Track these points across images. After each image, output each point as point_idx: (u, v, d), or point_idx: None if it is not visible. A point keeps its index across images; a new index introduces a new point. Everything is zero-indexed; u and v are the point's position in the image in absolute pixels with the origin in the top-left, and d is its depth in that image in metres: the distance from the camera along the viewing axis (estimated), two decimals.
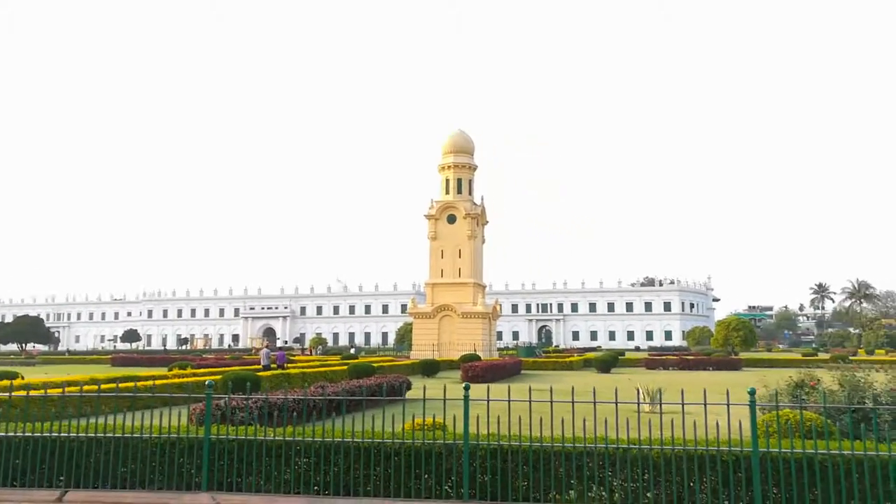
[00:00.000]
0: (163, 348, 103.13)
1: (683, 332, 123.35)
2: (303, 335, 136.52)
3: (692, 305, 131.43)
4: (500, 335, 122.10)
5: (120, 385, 20.66)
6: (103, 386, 19.91)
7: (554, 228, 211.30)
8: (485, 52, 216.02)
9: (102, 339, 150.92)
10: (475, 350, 59.20)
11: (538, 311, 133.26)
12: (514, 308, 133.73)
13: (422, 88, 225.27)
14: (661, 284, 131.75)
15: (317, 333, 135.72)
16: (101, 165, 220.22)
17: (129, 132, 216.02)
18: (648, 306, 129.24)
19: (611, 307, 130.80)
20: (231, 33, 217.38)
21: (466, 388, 8.50)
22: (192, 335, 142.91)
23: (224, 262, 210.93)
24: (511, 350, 77.48)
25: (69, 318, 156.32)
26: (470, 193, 66.60)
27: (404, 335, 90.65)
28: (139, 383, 21.68)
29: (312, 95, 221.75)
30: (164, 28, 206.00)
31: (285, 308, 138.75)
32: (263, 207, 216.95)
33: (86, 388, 16.47)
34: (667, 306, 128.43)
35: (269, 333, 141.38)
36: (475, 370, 33.77)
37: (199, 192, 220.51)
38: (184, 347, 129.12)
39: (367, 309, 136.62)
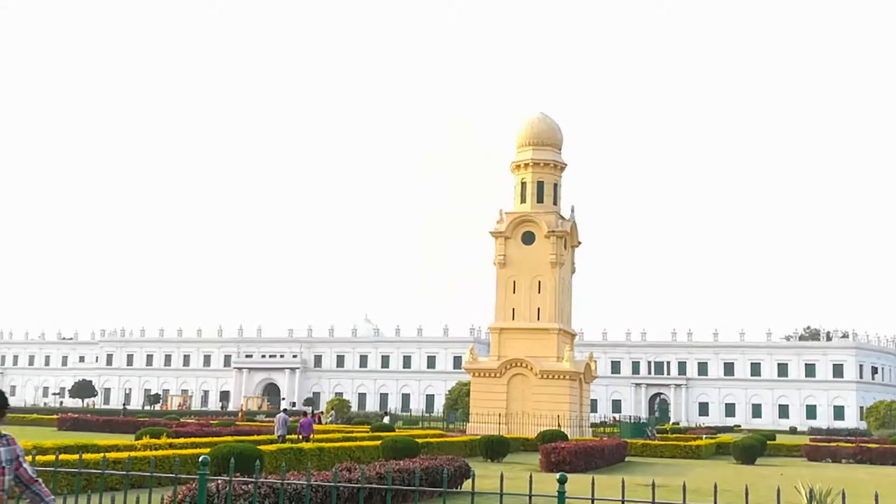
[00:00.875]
0: (124, 407, 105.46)
1: (862, 408, 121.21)
2: (317, 395, 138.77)
3: (875, 370, 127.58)
4: (594, 404, 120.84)
5: (84, 456, 21.26)
6: (52, 457, 20.59)
7: (673, 256, 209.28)
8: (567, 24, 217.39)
9: (46, 392, 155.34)
10: (559, 425, 58.83)
11: (649, 373, 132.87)
12: (615, 367, 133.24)
13: (483, 66, 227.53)
14: (828, 338, 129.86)
15: (336, 393, 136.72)
16: (61, 170, 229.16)
17: (105, 136, 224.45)
18: (810, 369, 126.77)
19: (755, 369, 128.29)
20: (227, 36, 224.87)
21: (561, 482, 8.35)
22: (166, 391, 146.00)
23: (212, 292, 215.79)
24: (610, 427, 77.05)
25: (2, 362, 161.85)
26: (555, 203, 66.72)
27: (457, 400, 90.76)
28: (95, 454, 22.20)
29: (331, 78, 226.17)
30: (164, 44, 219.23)
31: (294, 357, 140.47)
32: (266, 221, 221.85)
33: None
34: (837, 370, 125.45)
35: (271, 391, 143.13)
36: (560, 454, 33.49)
37: (182, 201, 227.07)
38: (155, 407, 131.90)
39: (406, 361, 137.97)
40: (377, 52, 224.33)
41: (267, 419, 78.56)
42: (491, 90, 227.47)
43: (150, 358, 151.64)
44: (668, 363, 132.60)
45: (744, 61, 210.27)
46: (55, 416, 70.16)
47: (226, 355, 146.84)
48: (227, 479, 11.95)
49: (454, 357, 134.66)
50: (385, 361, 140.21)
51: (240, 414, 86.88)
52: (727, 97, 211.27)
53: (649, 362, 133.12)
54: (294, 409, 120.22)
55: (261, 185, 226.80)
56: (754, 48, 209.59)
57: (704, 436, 63.98)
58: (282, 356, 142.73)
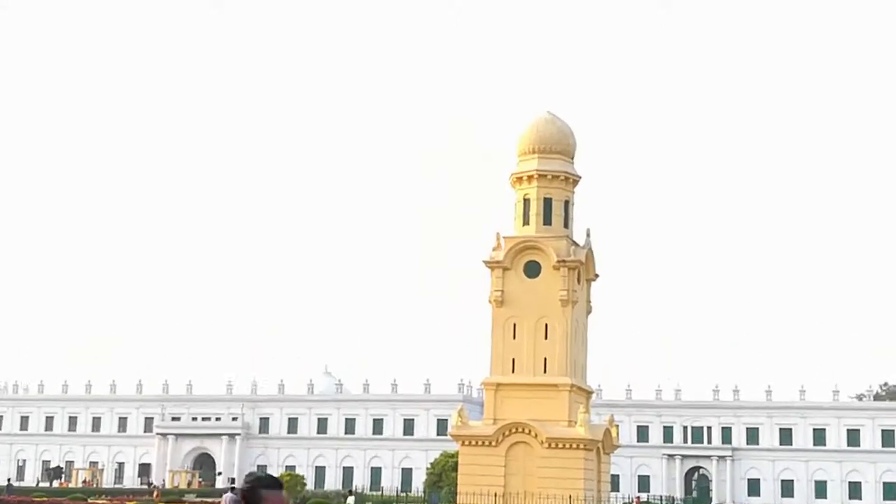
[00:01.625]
0: (8, 483, 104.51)
1: None
2: (262, 468, 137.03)
3: None
4: (615, 481, 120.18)
5: None
6: None
7: (714, 294, 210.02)
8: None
9: None
10: None
11: (685, 441, 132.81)
12: (642, 433, 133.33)
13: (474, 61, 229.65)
14: None
15: (286, 467, 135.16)
16: None
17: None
18: (888, 437, 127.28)
19: (819, 437, 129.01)
20: (223, 36, 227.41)
21: None
22: (70, 463, 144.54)
23: (131, 337, 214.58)
24: None
25: None
26: (566, 225, 66.99)
27: (442, 475, 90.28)
28: None
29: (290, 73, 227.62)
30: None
31: (233, 420, 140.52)
32: (199, 245, 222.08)
33: None
34: None
35: (204, 463, 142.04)
36: None
37: (96, 217, 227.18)
38: (55, 484, 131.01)
39: (377, 426, 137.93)
40: (375, 52, 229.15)
41: (198, 500, 78.03)
42: (494, 88, 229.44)
43: (49, 420, 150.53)
44: (709, 429, 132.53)
45: (792, 53, 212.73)
46: None
47: (146, 418, 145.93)
48: None
49: (438, 420, 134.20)
50: (350, 426, 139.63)
51: (154, 494, 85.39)
52: (779, 96, 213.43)
53: (685, 428, 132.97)
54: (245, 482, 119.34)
55: (191, 209, 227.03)
56: (801, 35, 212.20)
57: None
58: (218, 419, 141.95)
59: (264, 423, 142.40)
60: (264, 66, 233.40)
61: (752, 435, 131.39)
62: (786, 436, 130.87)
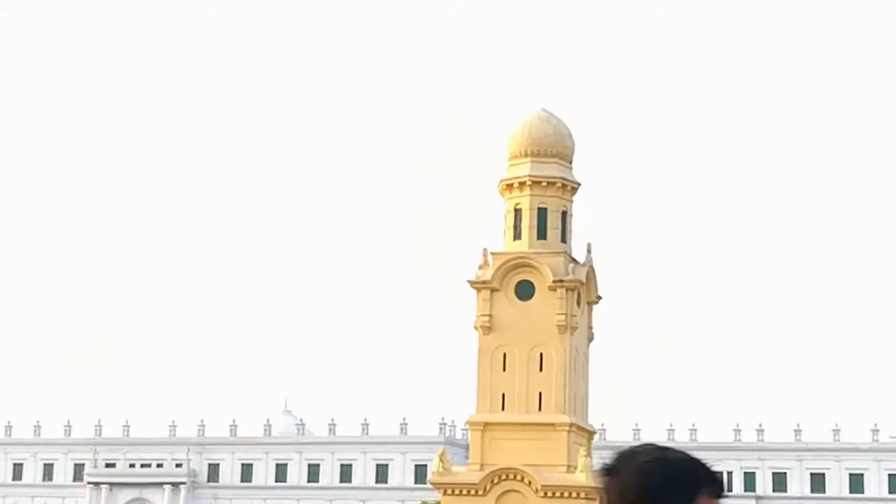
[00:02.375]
0: None
1: None
2: None
3: None
4: None
5: None
6: None
7: (733, 320, 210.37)
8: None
9: None
10: None
11: None
12: None
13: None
14: None
15: None
16: None
17: None
18: None
19: (856, 483, 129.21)
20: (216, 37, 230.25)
21: None
22: None
23: (58, 370, 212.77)
24: None
25: None
26: (563, 240, 67.33)
27: None
28: None
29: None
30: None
31: (177, 467, 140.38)
32: (138, 265, 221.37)
33: None
34: None
35: None
36: None
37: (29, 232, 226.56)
38: None
39: (345, 473, 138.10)
40: (373, 51, 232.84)
41: None
42: (492, 88, 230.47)
43: None
44: (730, 474, 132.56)
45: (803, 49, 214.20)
46: None
47: (76, 464, 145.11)
48: None
49: (416, 466, 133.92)
50: (313, 473, 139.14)
51: None
52: (793, 98, 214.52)
53: None
54: None
55: (131, 224, 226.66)
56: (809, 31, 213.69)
57: None
58: (160, 466, 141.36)
59: (213, 470, 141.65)
60: (261, 65, 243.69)
61: (780, 481, 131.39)
62: (818, 482, 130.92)
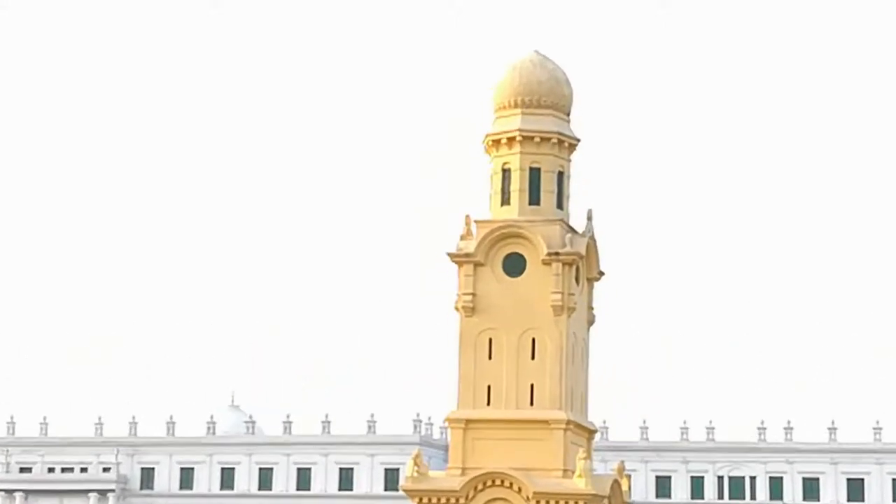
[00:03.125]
0: None
1: None
2: None
3: None
4: None
5: None
6: None
7: (756, 298, 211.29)
8: None
9: None
10: None
11: (721, 496, 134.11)
12: (662, 486, 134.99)
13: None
14: None
15: None
16: None
17: None
18: None
19: (854, 492, 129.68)
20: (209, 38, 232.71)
21: None
22: None
23: None
24: None
25: None
26: (560, 206, 67.24)
27: None
28: None
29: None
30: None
31: (105, 471, 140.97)
32: (69, 251, 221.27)
33: None
34: None
35: None
36: None
37: None
38: None
39: (303, 478, 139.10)
40: (371, 49, 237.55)
41: None
42: (476, 28, 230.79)
43: None
44: (753, 479, 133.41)
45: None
46: None
47: None
48: None
49: (386, 470, 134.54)
50: (265, 478, 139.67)
51: None
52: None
53: (720, 479, 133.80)
54: None
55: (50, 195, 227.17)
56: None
57: None
58: (84, 470, 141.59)
59: (148, 475, 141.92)
60: (244, 61, 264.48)
61: (811, 487, 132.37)
62: (855, 489, 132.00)
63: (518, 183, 66.77)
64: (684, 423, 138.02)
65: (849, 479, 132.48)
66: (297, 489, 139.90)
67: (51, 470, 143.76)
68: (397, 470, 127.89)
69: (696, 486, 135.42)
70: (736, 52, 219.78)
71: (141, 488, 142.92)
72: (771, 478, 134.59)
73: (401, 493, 77.24)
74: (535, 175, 67.00)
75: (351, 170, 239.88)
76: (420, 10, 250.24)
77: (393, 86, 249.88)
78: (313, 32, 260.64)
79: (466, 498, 63.36)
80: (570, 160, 68.66)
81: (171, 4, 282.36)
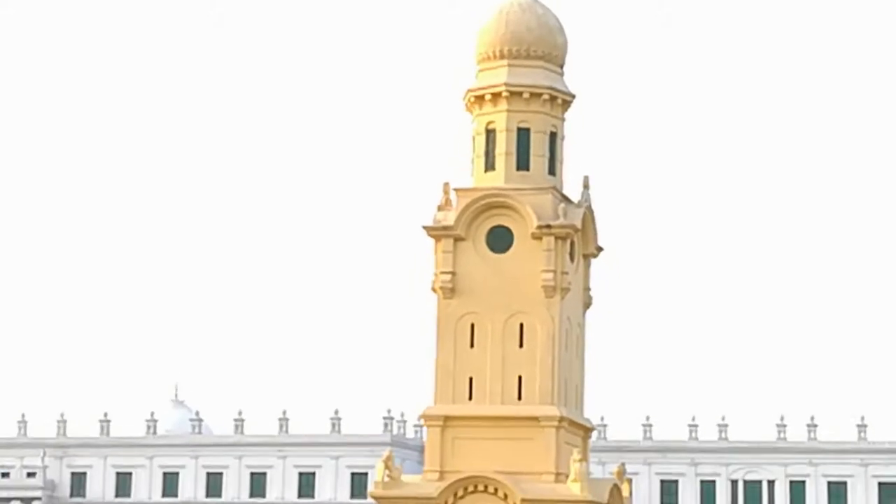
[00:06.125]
0: None
1: None
2: None
3: None
4: None
5: None
6: None
7: (772, 277, 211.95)
8: None
9: None
10: None
11: (734, 503, 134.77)
12: (668, 491, 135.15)
13: None
14: None
15: None
16: None
17: None
18: None
19: (887, 497, 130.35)
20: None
21: None
22: None
23: None
24: None
25: None
26: (552, 171, 67.39)
27: None
28: None
29: None
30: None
31: (30, 476, 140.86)
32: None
33: None
34: None
35: None
36: None
37: None
38: None
39: (257, 484, 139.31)
40: (368, 46, 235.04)
41: None
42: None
43: None
44: (771, 484, 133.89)
45: None
46: None
47: None
48: None
49: (352, 475, 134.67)
50: (214, 484, 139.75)
51: None
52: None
53: (734, 483, 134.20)
54: None
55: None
56: None
57: None
58: (5, 475, 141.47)
59: (79, 481, 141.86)
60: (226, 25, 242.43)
61: (838, 492, 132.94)
62: (888, 493, 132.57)
63: (504, 145, 66.81)
64: (693, 419, 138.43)
65: (880, 483, 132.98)
66: (251, 496, 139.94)
67: None
68: (365, 474, 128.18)
69: (707, 491, 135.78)
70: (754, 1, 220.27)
71: (71, 495, 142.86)
72: (792, 482, 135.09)
73: (370, 500, 77.40)
74: (523, 136, 67.04)
75: (309, 132, 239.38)
76: None
77: (358, 26, 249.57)
78: None
79: None
80: (563, 119, 68.72)
81: (172, 4, 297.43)
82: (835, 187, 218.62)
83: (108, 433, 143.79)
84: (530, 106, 67.19)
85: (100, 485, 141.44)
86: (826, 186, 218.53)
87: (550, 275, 64.80)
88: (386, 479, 65.44)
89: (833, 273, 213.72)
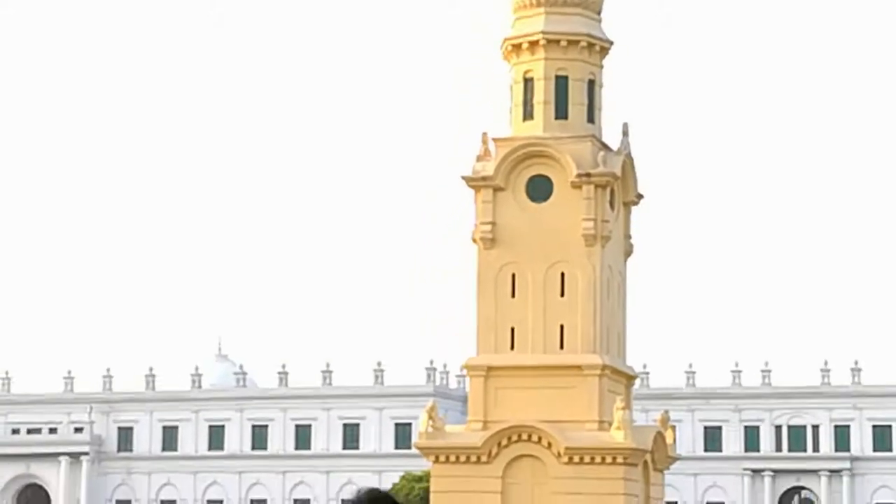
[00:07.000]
0: None
1: None
2: None
3: None
4: None
5: None
6: None
7: (814, 221, 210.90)
8: None
9: None
10: None
11: (779, 448, 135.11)
12: (712, 437, 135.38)
13: None
14: None
15: (161, 502, 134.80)
16: None
17: None
18: None
19: None
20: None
21: None
22: None
23: None
24: None
25: None
26: (591, 119, 67.06)
27: None
28: None
29: None
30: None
31: (77, 431, 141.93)
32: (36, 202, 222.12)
33: None
34: None
35: (32, 499, 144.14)
36: None
37: None
38: None
39: (302, 436, 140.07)
40: (367, 43, 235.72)
41: None
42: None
43: None
44: (816, 429, 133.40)
45: None
46: None
47: None
48: None
49: (396, 425, 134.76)
50: (259, 437, 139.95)
51: None
52: None
53: (778, 428, 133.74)
54: None
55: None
56: None
57: None
58: (53, 431, 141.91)
59: (125, 436, 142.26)
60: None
61: (882, 437, 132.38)
62: None
63: (542, 94, 66.53)
64: (736, 365, 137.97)
65: None
66: (296, 448, 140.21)
67: (15, 431, 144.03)
68: (409, 425, 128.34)
69: (751, 437, 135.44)
70: None
71: (118, 450, 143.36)
72: (836, 426, 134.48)
73: (414, 450, 77.35)
74: (561, 84, 66.71)
75: (346, 84, 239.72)
76: None
77: None
78: None
79: (489, 455, 63.63)
80: (601, 66, 68.34)
81: (172, 4, 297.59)
82: (881, 130, 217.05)
83: (153, 388, 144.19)
84: (568, 54, 66.82)
85: (146, 439, 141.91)
86: (869, 129, 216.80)
87: (591, 223, 64.59)
88: (430, 429, 65.51)
89: (877, 215, 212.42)
